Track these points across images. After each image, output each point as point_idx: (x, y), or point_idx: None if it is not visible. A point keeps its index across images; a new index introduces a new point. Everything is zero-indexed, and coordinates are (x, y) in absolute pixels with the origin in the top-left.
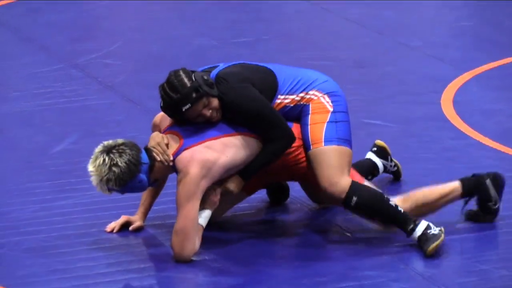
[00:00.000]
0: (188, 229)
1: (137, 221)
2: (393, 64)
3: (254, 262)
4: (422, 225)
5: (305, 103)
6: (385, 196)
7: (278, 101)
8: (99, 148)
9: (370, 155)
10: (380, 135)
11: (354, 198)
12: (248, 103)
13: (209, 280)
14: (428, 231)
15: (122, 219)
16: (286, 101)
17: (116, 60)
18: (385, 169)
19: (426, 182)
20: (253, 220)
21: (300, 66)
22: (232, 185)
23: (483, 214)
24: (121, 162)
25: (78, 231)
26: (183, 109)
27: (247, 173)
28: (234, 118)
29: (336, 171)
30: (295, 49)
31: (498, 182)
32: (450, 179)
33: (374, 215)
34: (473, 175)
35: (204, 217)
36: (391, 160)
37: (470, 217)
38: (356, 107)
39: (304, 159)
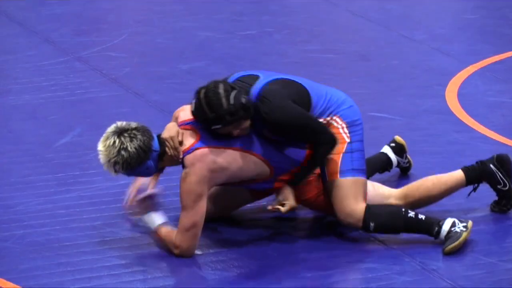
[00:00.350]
0: (198, 226)
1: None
2: (398, 57)
3: (259, 257)
4: (447, 224)
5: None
6: (402, 210)
7: None
8: (111, 128)
9: (387, 150)
10: (384, 128)
11: (372, 224)
12: (294, 120)
13: (214, 273)
14: (452, 229)
15: (137, 182)
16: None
17: (120, 53)
18: (398, 165)
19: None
20: (258, 215)
21: (304, 59)
22: (289, 198)
23: (502, 201)
24: (130, 147)
25: (82, 224)
26: (213, 127)
27: (299, 178)
28: (275, 132)
29: (351, 201)
30: (300, 42)
31: (503, 162)
32: None
33: (396, 232)
34: (477, 162)
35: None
36: (406, 157)
37: (496, 209)
38: (361, 100)
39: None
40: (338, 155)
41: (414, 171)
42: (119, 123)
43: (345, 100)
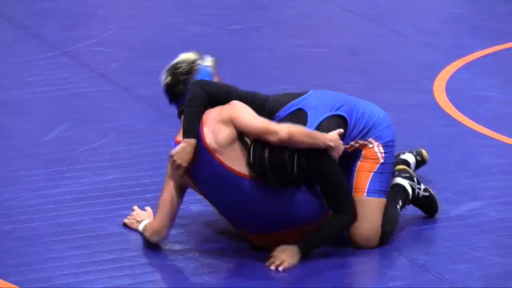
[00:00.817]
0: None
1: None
2: (386, 52)
3: (248, 250)
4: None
5: (360, 148)
6: (396, 210)
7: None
8: None
9: (411, 160)
10: None
11: (387, 239)
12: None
13: (203, 267)
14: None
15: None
16: (346, 146)
17: (108, 48)
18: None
19: (419, 170)
20: None
21: (293, 53)
22: (289, 259)
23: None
24: None
25: (70, 219)
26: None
27: (308, 247)
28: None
29: (371, 226)
30: (289, 37)
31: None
32: (443, 167)
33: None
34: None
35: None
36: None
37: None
38: (349, 94)
39: None
40: (369, 172)
41: None
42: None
43: (383, 119)
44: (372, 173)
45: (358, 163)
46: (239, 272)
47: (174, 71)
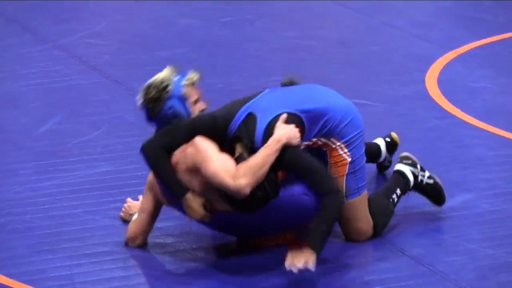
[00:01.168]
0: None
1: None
2: (378, 44)
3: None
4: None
5: (323, 147)
6: (390, 201)
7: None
8: None
9: (381, 143)
10: (365, 114)
11: (381, 231)
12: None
13: (195, 261)
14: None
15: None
16: (309, 142)
17: (100, 41)
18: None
19: None
20: None
21: (284, 45)
22: (309, 257)
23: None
24: None
25: (62, 212)
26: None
27: (317, 242)
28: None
29: (363, 224)
30: (280, 29)
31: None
32: (435, 158)
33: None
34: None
35: None
36: (391, 157)
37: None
38: (341, 86)
39: None
40: (342, 177)
41: (394, 157)
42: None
43: (344, 116)
44: (344, 177)
45: (328, 167)
46: (233, 265)
47: (145, 96)
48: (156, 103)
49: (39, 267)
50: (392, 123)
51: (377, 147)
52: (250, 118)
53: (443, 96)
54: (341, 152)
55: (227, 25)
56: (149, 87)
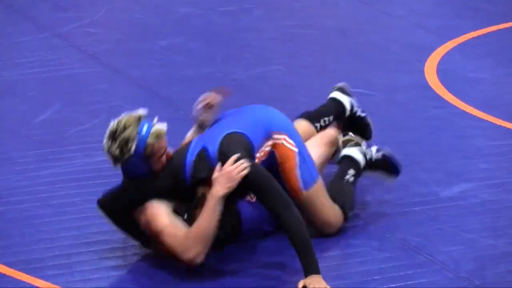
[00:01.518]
0: None
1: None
2: (377, 33)
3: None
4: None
5: (272, 149)
6: (350, 182)
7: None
8: None
9: (335, 94)
10: (363, 103)
11: (350, 213)
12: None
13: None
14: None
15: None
16: (260, 155)
17: (99, 29)
18: (352, 109)
19: (410, 151)
20: None
21: (283, 35)
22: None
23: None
24: None
25: (61, 201)
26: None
27: (312, 265)
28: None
29: (329, 212)
30: (279, 18)
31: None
32: (434, 148)
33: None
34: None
35: None
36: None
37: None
38: (340, 75)
39: None
40: (293, 170)
41: (392, 146)
42: None
43: (275, 114)
44: (296, 169)
45: (279, 168)
46: (232, 259)
47: (108, 150)
48: (118, 161)
49: (37, 255)
50: (391, 112)
51: (333, 101)
52: (200, 153)
53: (442, 86)
54: (288, 145)
55: (226, 14)
56: (112, 142)
